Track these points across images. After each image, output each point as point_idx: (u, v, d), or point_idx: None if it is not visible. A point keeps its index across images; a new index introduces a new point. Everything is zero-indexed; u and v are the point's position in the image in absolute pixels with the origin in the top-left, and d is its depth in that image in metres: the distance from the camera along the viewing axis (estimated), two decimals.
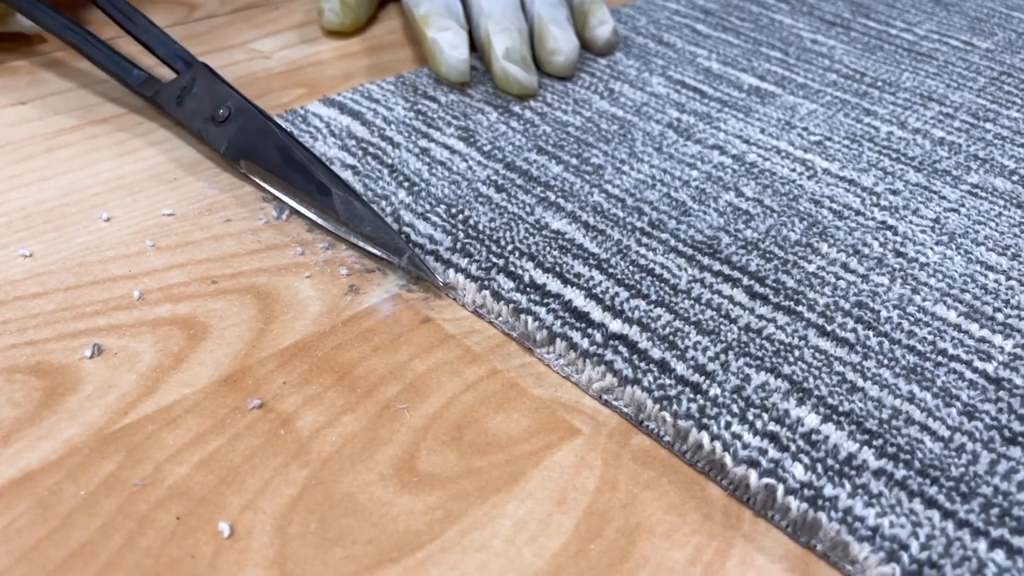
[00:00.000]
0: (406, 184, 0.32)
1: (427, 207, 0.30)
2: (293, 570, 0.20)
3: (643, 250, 0.29)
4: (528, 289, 0.27)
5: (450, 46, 0.37)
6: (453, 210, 0.30)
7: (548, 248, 0.29)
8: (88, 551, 0.20)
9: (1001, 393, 0.24)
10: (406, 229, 0.29)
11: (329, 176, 0.29)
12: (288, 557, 0.20)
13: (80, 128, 0.35)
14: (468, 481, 0.22)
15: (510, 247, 0.29)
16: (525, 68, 0.37)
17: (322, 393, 0.24)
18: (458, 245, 0.29)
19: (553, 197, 0.32)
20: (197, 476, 0.21)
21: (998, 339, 0.26)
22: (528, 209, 0.31)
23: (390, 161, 0.33)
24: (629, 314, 0.26)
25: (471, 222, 0.30)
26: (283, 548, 0.20)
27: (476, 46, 0.40)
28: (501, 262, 0.28)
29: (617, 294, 0.27)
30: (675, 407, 0.23)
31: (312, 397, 0.24)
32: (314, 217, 0.29)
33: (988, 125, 0.39)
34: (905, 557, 0.20)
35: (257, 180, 0.31)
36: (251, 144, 0.31)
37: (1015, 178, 0.35)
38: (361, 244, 0.29)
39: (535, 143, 0.35)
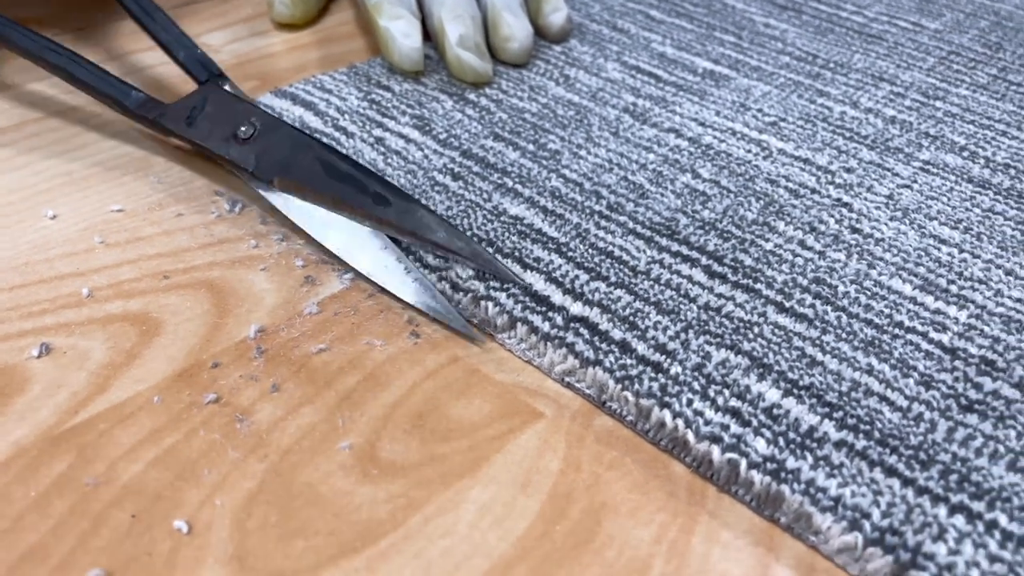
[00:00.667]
0: None
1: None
2: (254, 564, 0.19)
3: (602, 233, 0.29)
4: (487, 275, 0.27)
5: (402, 34, 0.37)
6: None
7: (507, 234, 0.29)
8: (39, 552, 0.19)
9: (957, 363, 0.25)
10: None
11: (384, 185, 0.27)
12: (248, 551, 0.19)
13: (24, 125, 0.34)
14: (431, 468, 0.22)
15: (468, 234, 0.29)
16: (479, 55, 0.37)
17: (280, 385, 0.23)
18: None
19: (511, 183, 0.31)
20: (152, 473, 0.21)
21: (952, 310, 0.27)
22: (485, 196, 0.31)
23: (345, 151, 0.32)
24: (589, 296, 0.26)
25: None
26: (243, 542, 0.20)
27: (429, 34, 0.40)
28: None
29: (577, 277, 0.27)
30: (637, 386, 0.23)
31: (269, 390, 0.23)
32: (371, 231, 0.27)
33: (938, 103, 0.39)
34: (867, 525, 0.20)
35: (296, 198, 0.28)
36: (285, 159, 0.29)
37: (965, 154, 0.35)
38: (433, 253, 0.27)
39: (491, 130, 0.34)
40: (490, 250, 0.27)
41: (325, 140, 0.33)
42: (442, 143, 0.33)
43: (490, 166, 0.32)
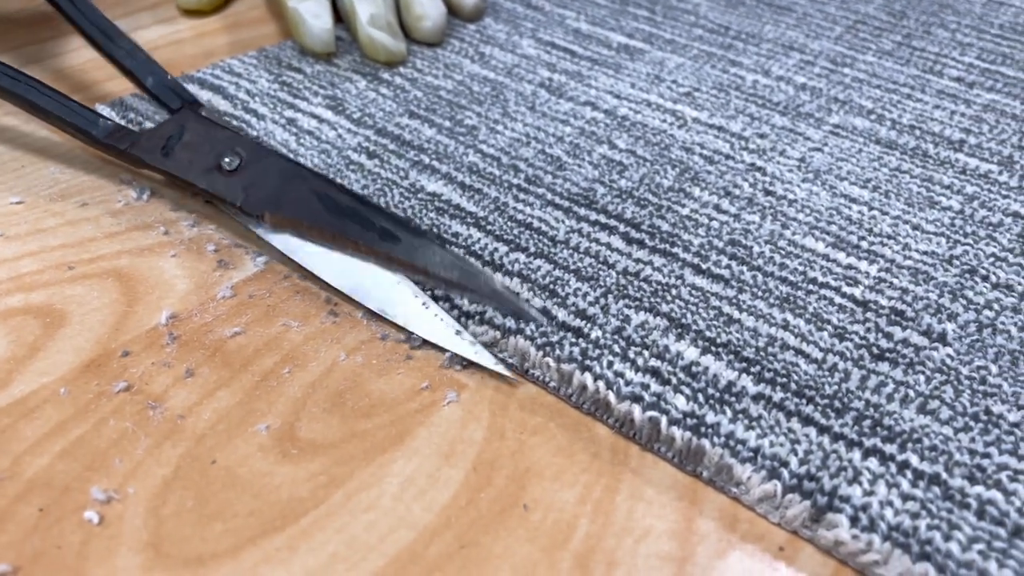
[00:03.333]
0: None
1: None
2: (170, 550, 0.19)
3: (520, 206, 0.29)
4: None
5: (312, 15, 0.36)
6: None
7: (424, 210, 0.29)
8: None
9: (868, 314, 0.25)
10: None
11: (390, 218, 0.25)
12: (164, 537, 0.19)
13: None
14: (352, 445, 0.21)
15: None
16: (391, 34, 0.37)
17: (194, 370, 0.23)
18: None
19: (427, 160, 0.31)
20: (60, 465, 0.20)
21: (863, 265, 0.27)
22: (402, 174, 0.30)
23: (255, 134, 0.32)
24: (509, 267, 0.26)
25: None
26: (158, 529, 0.19)
27: (341, 16, 0.39)
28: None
29: (496, 249, 0.27)
30: (558, 352, 0.23)
31: (183, 375, 0.23)
32: (378, 268, 0.25)
33: (846, 70, 0.40)
34: (785, 473, 0.20)
35: (289, 234, 0.26)
36: (277, 193, 0.26)
37: (873, 117, 0.36)
38: (446, 291, 0.25)
39: (406, 108, 0.34)
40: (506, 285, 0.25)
41: (283, 152, 0.31)
42: (356, 122, 0.33)
43: (406, 143, 0.32)
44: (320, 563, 0.19)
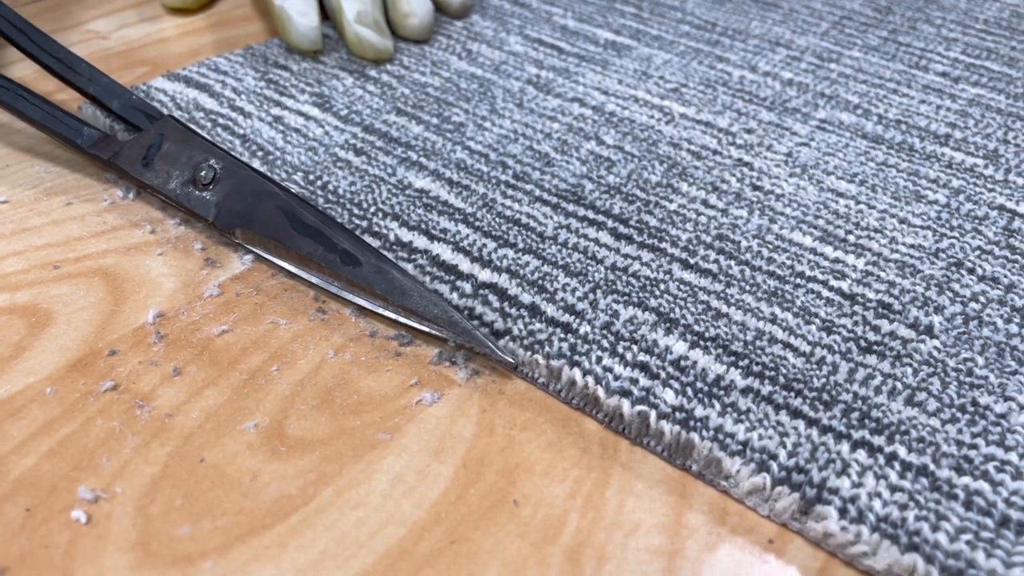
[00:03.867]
0: (260, 153, 0.30)
1: (283, 175, 0.29)
2: (158, 549, 0.18)
3: (508, 202, 0.29)
4: (394, 247, 0.26)
5: (299, 13, 0.36)
6: (311, 176, 0.29)
7: (412, 207, 0.28)
8: None
9: (856, 307, 0.25)
10: None
11: (354, 242, 0.25)
12: (152, 536, 0.19)
13: None
14: (341, 442, 0.21)
15: (372, 208, 0.28)
16: (378, 31, 0.36)
17: (182, 369, 0.23)
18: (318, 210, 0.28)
19: (415, 157, 0.31)
20: (46, 465, 0.20)
21: (851, 258, 0.27)
22: (390, 170, 0.30)
23: (242, 131, 0.31)
24: (497, 263, 0.26)
25: (330, 187, 0.29)
26: (146, 528, 0.19)
27: (328, 14, 0.39)
28: (364, 223, 0.27)
29: (484, 246, 0.27)
30: (547, 348, 0.23)
31: (171, 374, 0.23)
32: (336, 291, 0.25)
33: (832, 65, 0.40)
34: (774, 466, 0.20)
35: (259, 252, 0.26)
36: (248, 209, 0.26)
37: (859, 111, 0.36)
38: (404, 320, 0.24)
39: (394, 105, 0.34)
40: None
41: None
42: (343, 119, 0.33)
43: (393, 140, 0.32)
44: (310, 560, 0.19)
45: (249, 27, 0.41)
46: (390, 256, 0.26)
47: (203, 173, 0.27)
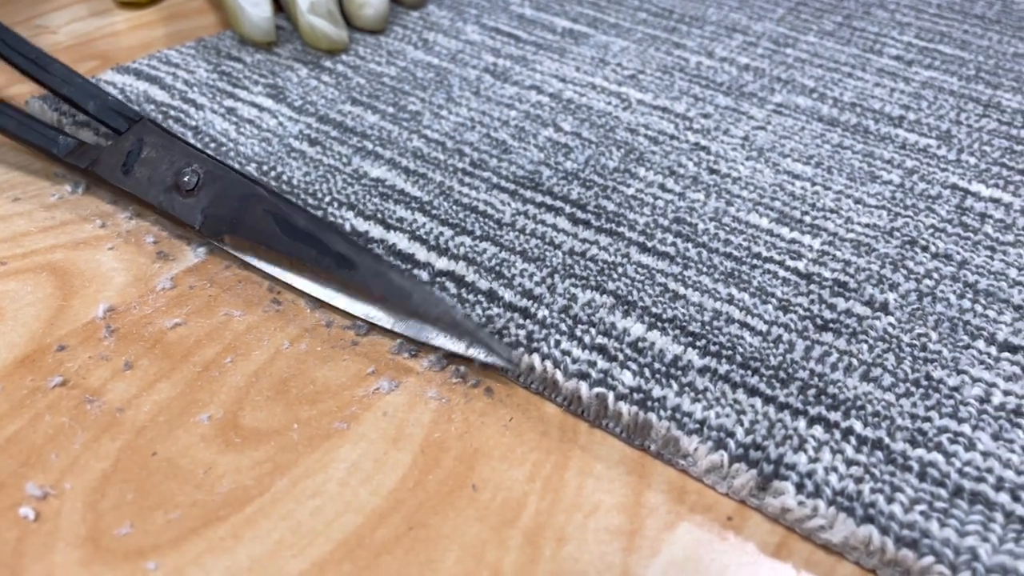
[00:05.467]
0: (212, 145, 0.30)
1: (236, 167, 0.29)
2: (109, 544, 0.18)
3: (466, 189, 0.29)
4: (350, 237, 0.26)
5: (251, 4, 0.36)
6: (265, 167, 0.29)
7: (368, 196, 0.28)
8: None
9: (812, 287, 0.26)
10: None
11: (350, 244, 0.24)
12: (103, 531, 0.18)
13: None
14: (297, 432, 0.21)
15: (328, 198, 0.28)
16: (332, 22, 0.36)
17: (133, 363, 0.22)
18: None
19: (371, 146, 0.31)
20: None
21: (807, 239, 0.28)
22: (345, 160, 0.30)
23: (194, 123, 0.31)
24: (455, 251, 0.26)
25: (284, 177, 0.29)
26: (97, 523, 0.18)
27: (281, 5, 0.39)
28: (320, 213, 0.27)
29: (442, 234, 0.27)
30: (505, 335, 0.23)
31: (122, 368, 0.22)
32: (331, 299, 0.24)
33: (788, 50, 0.40)
34: (732, 444, 0.20)
35: (249, 259, 0.25)
36: (235, 215, 0.25)
37: (815, 95, 0.36)
38: (401, 329, 0.23)
39: (349, 95, 0.34)
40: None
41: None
42: (297, 110, 0.32)
43: (349, 130, 0.31)
44: (265, 550, 0.18)
45: (202, 20, 0.40)
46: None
47: (186, 179, 0.26)
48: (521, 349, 0.22)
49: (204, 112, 0.32)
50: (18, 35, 0.29)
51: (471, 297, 0.24)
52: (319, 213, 0.27)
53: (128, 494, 0.19)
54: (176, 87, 0.33)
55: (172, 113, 0.31)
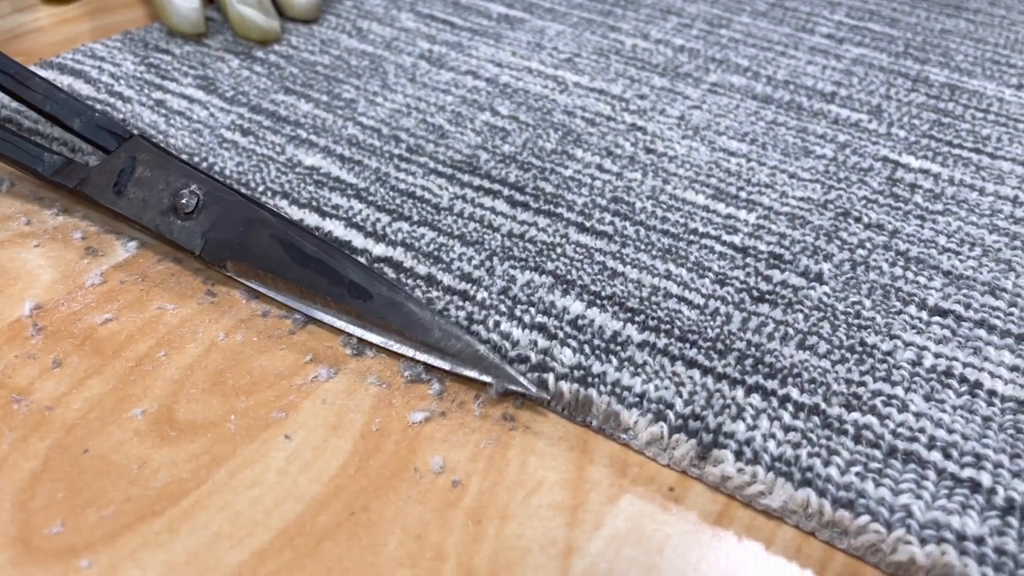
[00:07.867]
0: None
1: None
2: (40, 543, 0.18)
3: (402, 175, 0.29)
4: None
5: None
6: (196, 158, 0.28)
7: (303, 184, 0.28)
8: None
9: (748, 260, 0.26)
10: None
11: (362, 272, 0.23)
12: (33, 531, 0.18)
13: None
14: (234, 423, 0.21)
15: (261, 188, 0.27)
16: (263, 12, 0.36)
17: (62, 360, 0.22)
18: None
19: (305, 135, 0.30)
20: None
21: (743, 214, 0.28)
22: (278, 149, 0.29)
23: (121, 116, 0.30)
24: (392, 237, 0.26)
25: (216, 168, 0.28)
26: (27, 523, 0.18)
27: None
28: None
29: (378, 220, 0.26)
30: (445, 316, 0.23)
31: (50, 366, 0.22)
32: (343, 326, 0.23)
33: (723, 31, 0.41)
34: (671, 415, 0.21)
35: (254, 286, 0.24)
36: (239, 239, 0.23)
37: (749, 74, 0.37)
38: (421, 357, 0.22)
39: (281, 84, 0.33)
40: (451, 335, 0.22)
41: (242, 190, 0.27)
42: (229, 100, 0.32)
43: (282, 119, 0.31)
44: (203, 542, 0.18)
45: (129, 13, 0.39)
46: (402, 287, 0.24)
47: (184, 200, 0.24)
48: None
49: (132, 105, 0.31)
50: None
51: (410, 282, 0.24)
52: None
53: (59, 492, 0.19)
54: (102, 80, 0.32)
55: (97, 107, 0.31)
